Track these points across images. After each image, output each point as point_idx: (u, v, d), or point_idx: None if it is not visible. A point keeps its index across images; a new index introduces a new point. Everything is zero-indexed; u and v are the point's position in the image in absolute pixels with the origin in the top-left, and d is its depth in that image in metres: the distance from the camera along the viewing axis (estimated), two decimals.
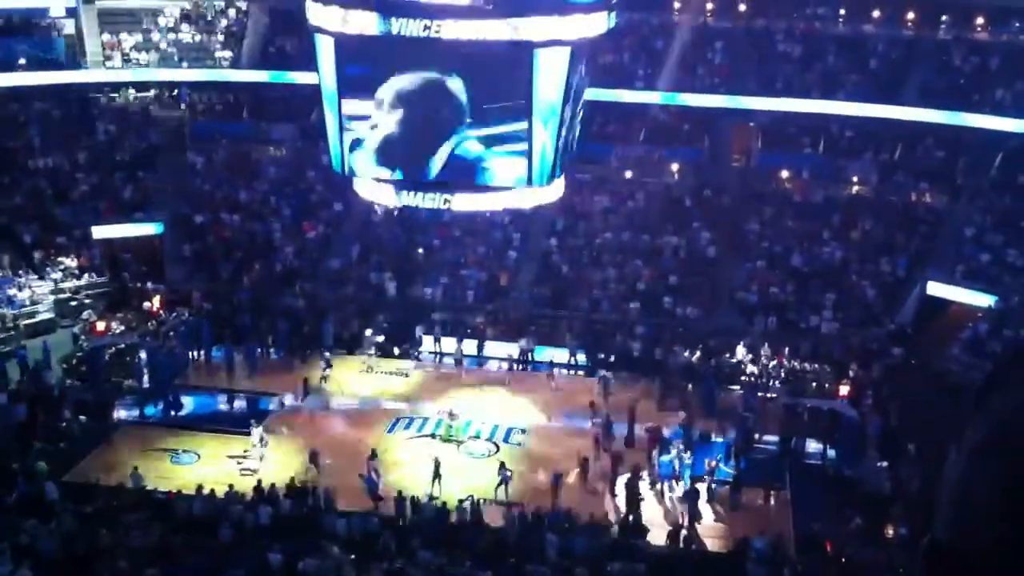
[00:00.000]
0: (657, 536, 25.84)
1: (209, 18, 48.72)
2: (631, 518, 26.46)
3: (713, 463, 28.60)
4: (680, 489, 27.75)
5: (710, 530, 26.78)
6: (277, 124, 46.91)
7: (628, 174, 44.09)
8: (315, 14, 25.97)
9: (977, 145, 41.72)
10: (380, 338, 36.22)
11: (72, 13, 46.71)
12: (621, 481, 27.79)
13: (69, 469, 28.08)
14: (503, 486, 27.42)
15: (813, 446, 30.89)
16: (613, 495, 27.86)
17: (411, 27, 24.32)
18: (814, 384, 33.39)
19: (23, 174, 42.31)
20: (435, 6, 24.29)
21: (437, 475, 27.81)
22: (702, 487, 27.70)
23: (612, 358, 35.59)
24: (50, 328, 35.81)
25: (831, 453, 30.48)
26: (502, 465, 27.88)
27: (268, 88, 46.35)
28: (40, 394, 30.83)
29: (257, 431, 28.99)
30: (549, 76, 25.34)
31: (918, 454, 29.01)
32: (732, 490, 28.17)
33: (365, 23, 24.73)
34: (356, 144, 27.39)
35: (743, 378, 34.42)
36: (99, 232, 40.73)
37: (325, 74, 27.08)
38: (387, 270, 39.86)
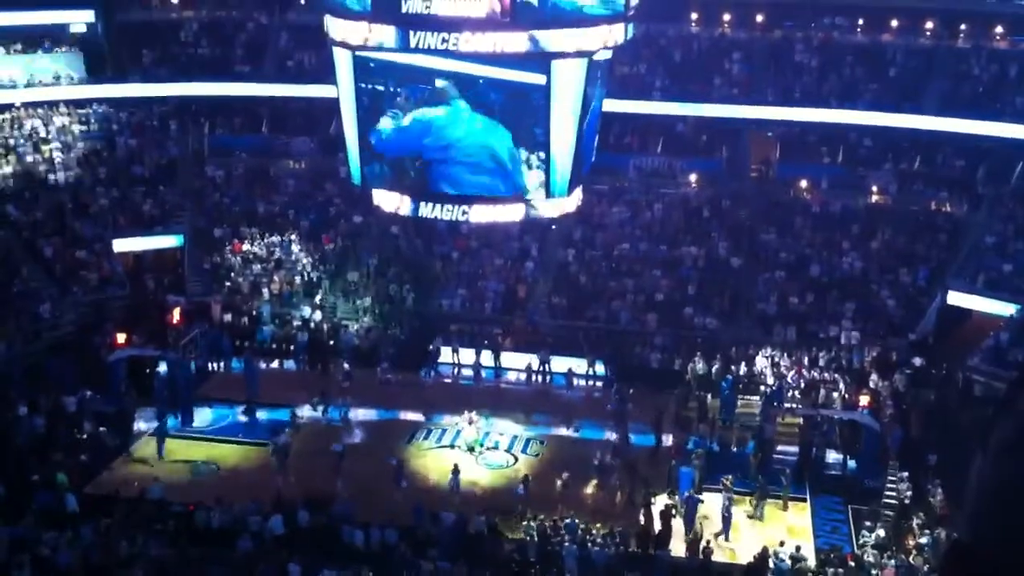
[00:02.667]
0: (676, 547, 25.74)
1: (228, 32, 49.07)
2: (650, 529, 26.36)
3: (732, 475, 28.46)
4: (699, 500, 27.56)
5: (729, 541, 26.64)
6: (296, 137, 47.12)
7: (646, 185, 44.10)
8: (333, 28, 26.09)
9: (997, 153, 41.50)
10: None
11: (92, 28, 47.10)
12: (639, 492, 27.71)
13: (89, 481, 28.23)
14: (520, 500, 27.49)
15: (833, 457, 30.77)
16: (632, 506, 27.74)
17: (429, 40, 24.34)
18: (834, 395, 33.20)
19: (43, 188, 42.55)
20: (452, 19, 24.28)
21: (456, 483, 27.95)
22: (721, 498, 27.55)
23: (631, 369, 35.49)
24: None
25: (851, 464, 30.32)
26: (525, 479, 27.90)
27: (287, 101, 46.58)
28: (60, 406, 30.94)
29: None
30: (566, 87, 25.33)
31: (939, 465, 28.83)
32: (751, 501, 28.02)
33: (383, 37, 24.78)
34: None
35: (762, 388, 34.28)
36: (119, 245, 40.93)
37: (343, 87, 27.17)
38: (405, 282, 39.97)
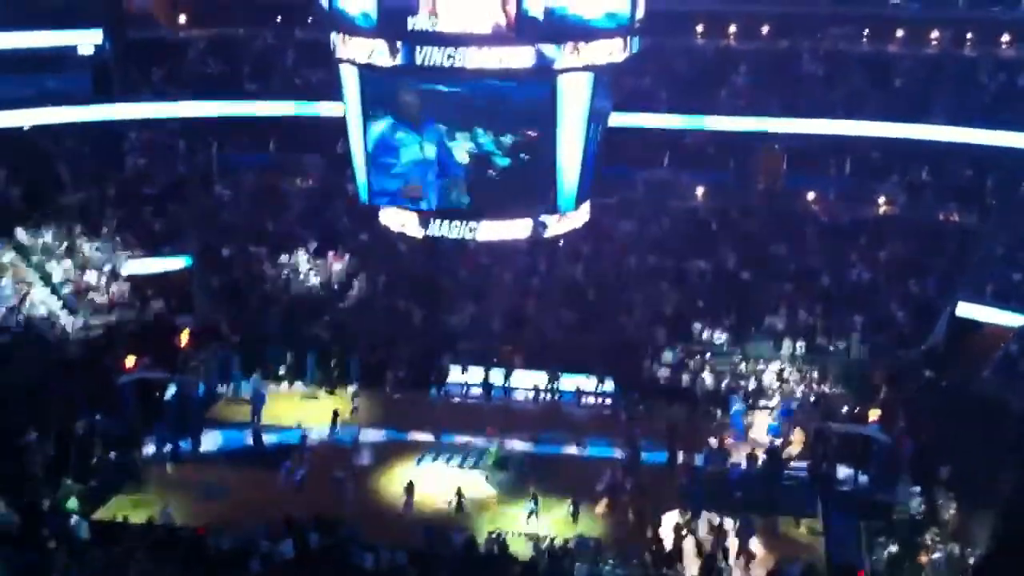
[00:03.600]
0: (689, 566, 25.63)
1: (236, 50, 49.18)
2: (662, 548, 26.24)
3: (742, 491, 28.35)
4: (710, 515, 27.44)
5: (741, 559, 26.47)
6: (304, 155, 47.17)
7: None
8: (340, 45, 26.14)
9: (1006, 163, 41.35)
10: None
11: (100, 49, 47.17)
12: (650, 510, 27.61)
13: (99, 506, 28.23)
14: (532, 517, 27.42)
15: (844, 471, 30.59)
16: (643, 524, 27.61)
17: (435, 56, 24.36)
18: (844, 408, 33.04)
19: (53, 210, 42.59)
20: (458, 34, 24.29)
21: (460, 506, 28.00)
22: (732, 515, 27.41)
23: (640, 384, 35.36)
24: None
25: (863, 478, 30.16)
26: (534, 497, 27.82)
27: (295, 119, 46.62)
28: (69, 430, 30.91)
29: None
30: (572, 102, 25.34)
31: (952, 478, 28.63)
32: (763, 517, 27.87)
33: (389, 53, 24.79)
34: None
35: (772, 403, 34.14)
36: (128, 266, 40.93)
37: (350, 104, 27.21)
38: (413, 299, 39.91)
